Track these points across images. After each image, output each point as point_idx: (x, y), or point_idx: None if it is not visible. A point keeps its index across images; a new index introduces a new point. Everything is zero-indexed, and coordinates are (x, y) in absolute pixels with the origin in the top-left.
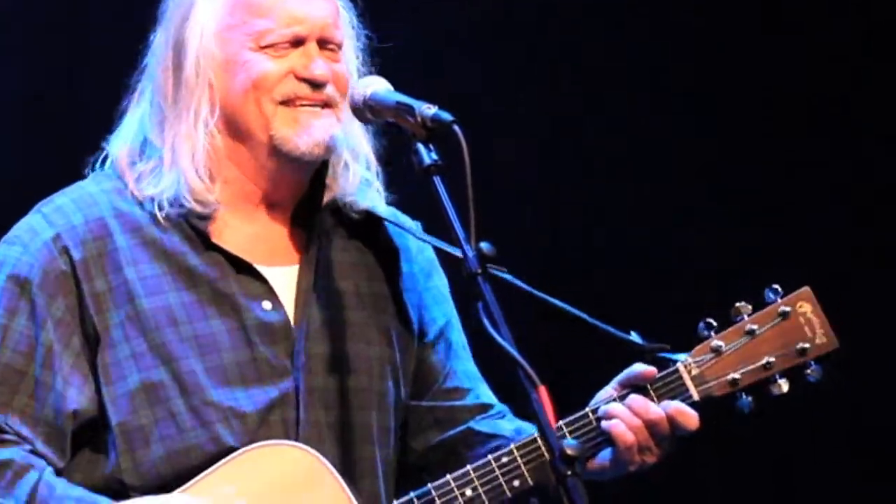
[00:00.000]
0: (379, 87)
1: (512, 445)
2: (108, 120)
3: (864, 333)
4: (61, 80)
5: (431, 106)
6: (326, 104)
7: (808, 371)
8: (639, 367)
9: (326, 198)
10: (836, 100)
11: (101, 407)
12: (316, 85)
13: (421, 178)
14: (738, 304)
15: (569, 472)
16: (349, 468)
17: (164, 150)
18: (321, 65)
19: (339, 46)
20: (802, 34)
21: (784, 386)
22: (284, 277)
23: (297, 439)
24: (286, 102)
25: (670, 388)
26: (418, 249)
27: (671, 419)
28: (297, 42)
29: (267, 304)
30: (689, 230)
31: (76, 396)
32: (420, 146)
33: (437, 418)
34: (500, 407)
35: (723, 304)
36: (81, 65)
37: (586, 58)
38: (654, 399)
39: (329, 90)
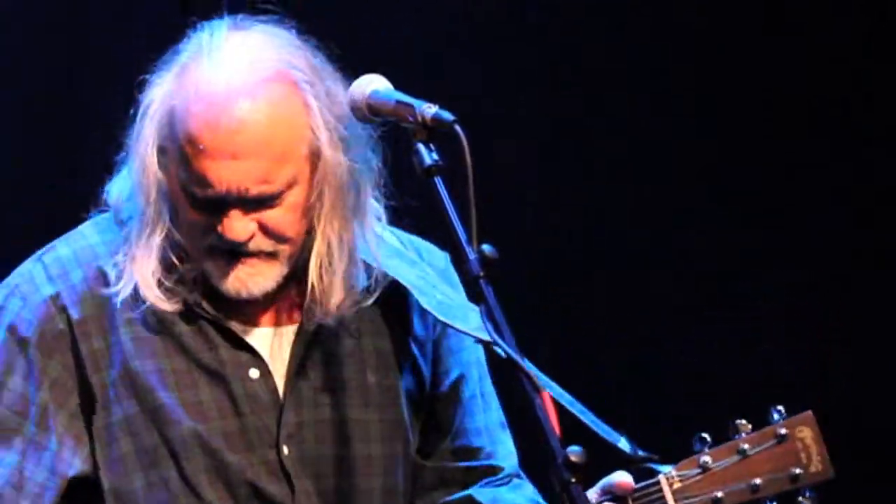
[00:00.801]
0: (379, 85)
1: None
2: (105, 120)
3: (865, 335)
4: (60, 80)
5: (432, 105)
6: (255, 255)
7: (801, 499)
8: (617, 477)
9: (310, 298)
10: (837, 101)
11: (96, 470)
12: (235, 245)
13: (422, 179)
14: (738, 422)
15: (573, 479)
16: None
17: (132, 240)
18: (236, 228)
19: (283, 191)
20: (803, 35)
21: None
22: (280, 339)
23: None
24: (209, 253)
25: (649, 500)
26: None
27: None
28: (217, 201)
29: (254, 373)
30: (689, 231)
31: (70, 459)
32: (421, 146)
33: (443, 479)
34: (510, 470)
35: (722, 306)
36: (81, 65)
37: (586, 59)
38: None
39: (252, 245)
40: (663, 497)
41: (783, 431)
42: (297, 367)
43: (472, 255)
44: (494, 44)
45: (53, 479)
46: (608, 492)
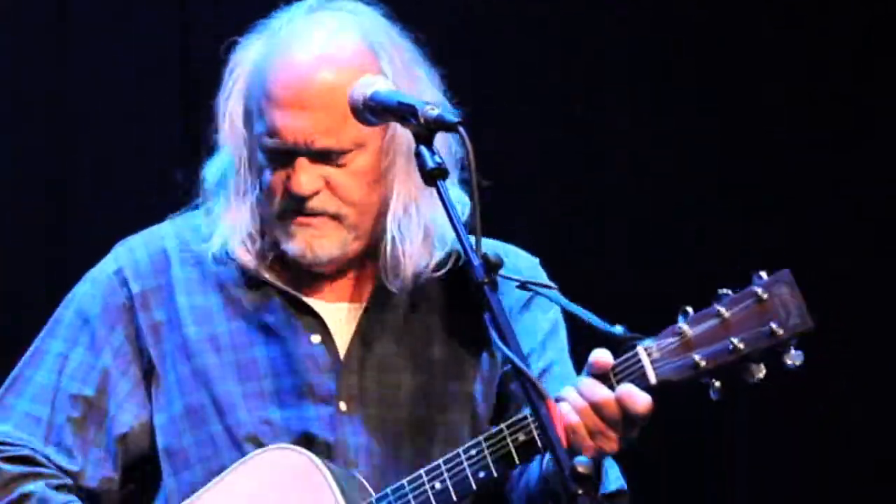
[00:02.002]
0: (381, 86)
1: (480, 437)
2: (103, 120)
3: (865, 332)
4: (59, 81)
5: (436, 106)
6: (320, 214)
7: (786, 356)
8: (595, 354)
9: (383, 261)
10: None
11: (153, 435)
12: (300, 199)
13: (426, 182)
14: (720, 291)
15: (580, 491)
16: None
17: (222, 206)
18: (299, 182)
19: (348, 150)
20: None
21: (758, 372)
22: (344, 313)
23: (331, 461)
24: (281, 216)
25: (629, 372)
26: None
27: (620, 401)
28: (286, 152)
29: (315, 338)
30: (691, 226)
31: (128, 421)
32: (423, 149)
33: None
34: None
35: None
36: (80, 65)
37: (586, 56)
38: (614, 384)
39: (316, 202)
40: (641, 367)
41: (759, 291)
42: (362, 338)
43: (476, 261)
44: (496, 43)
45: (113, 443)
46: (591, 373)
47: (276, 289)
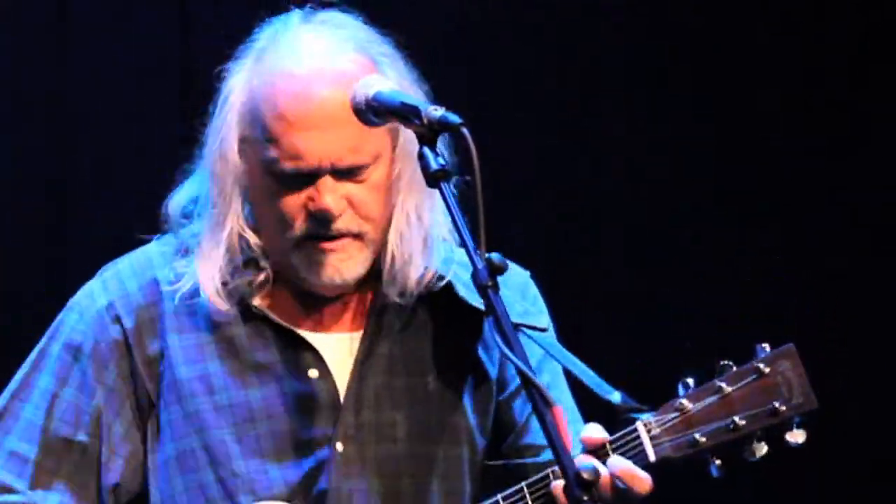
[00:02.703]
0: (383, 87)
1: (523, 483)
2: (103, 120)
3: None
4: (57, 81)
5: (439, 107)
6: (344, 236)
7: (789, 434)
8: (588, 431)
9: (388, 273)
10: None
11: (146, 476)
12: (326, 220)
13: (429, 185)
14: (722, 362)
15: (585, 497)
16: None
17: (200, 239)
18: (327, 201)
19: (369, 164)
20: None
21: (759, 451)
22: (339, 345)
23: None
24: (300, 244)
25: (627, 447)
26: (512, 302)
27: (616, 478)
28: (307, 175)
29: (313, 373)
30: (688, 231)
31: (120, 468)
32: (427, 150)
33: (507, 476)
34: None
35: (724, 314)
36: (79, 64)
37: (583, 59)
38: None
39: (342, 223)
40: (640, 443)
41: (763, 366)
42: (360, 370)
43: (479, 264)
44: (499, 43)
45: (103, 491)
46: (587, 446)
47: (269, 322)
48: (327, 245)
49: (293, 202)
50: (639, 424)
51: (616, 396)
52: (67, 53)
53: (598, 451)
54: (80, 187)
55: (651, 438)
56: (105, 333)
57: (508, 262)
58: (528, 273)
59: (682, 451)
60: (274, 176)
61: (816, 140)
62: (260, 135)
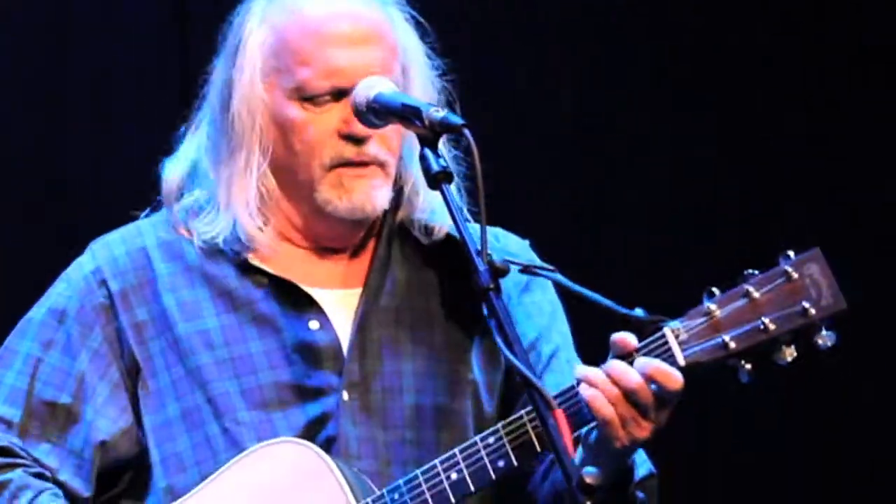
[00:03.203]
0: (384, 88)
1: (499, 424)
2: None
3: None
4: (54, 79)
5: (440, 109)
6: (371, 163)
7: (818, 337)
8: (618, 335)
9: (398, 217)
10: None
11: (142, 439)
12: (358, 140)
13: (431, 186)
14: (746, 272)
15: (588, 502)
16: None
17: (218, 189)
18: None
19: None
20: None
21: (790, 353)
22: (342, 298)
23: (334, 455)
24: (332, 167)
25: (655, 354)
26: (509, 252)
27: (650, 379)
28: (340, 94)
29: (314, 324)
30: (691, 230)
31: (107, 427)
32: (428, 152)
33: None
34: None
35: None
36: (78, 63)
37: (583, 58)
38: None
39: (372, 146)
40: (669, 349)
41: (789, 269)
42: (361, 323)
43: (481, 267)
44: (502, 42)
45: (89, 449)
46: (615, 355)
47: (266, 276)
48: (359, 171)
49: (324, 127)
50: (666, 330)
51: (639, 311)
52: (67, 53)
53: (626, 359)
54: (80, 187)
55: (679, 343)
56: (90, 296)
57: (507, 232)
58: (527, 242)
59: (712, 354)
60: (304, 101)
61: (818, 141)
62: (289, 61)
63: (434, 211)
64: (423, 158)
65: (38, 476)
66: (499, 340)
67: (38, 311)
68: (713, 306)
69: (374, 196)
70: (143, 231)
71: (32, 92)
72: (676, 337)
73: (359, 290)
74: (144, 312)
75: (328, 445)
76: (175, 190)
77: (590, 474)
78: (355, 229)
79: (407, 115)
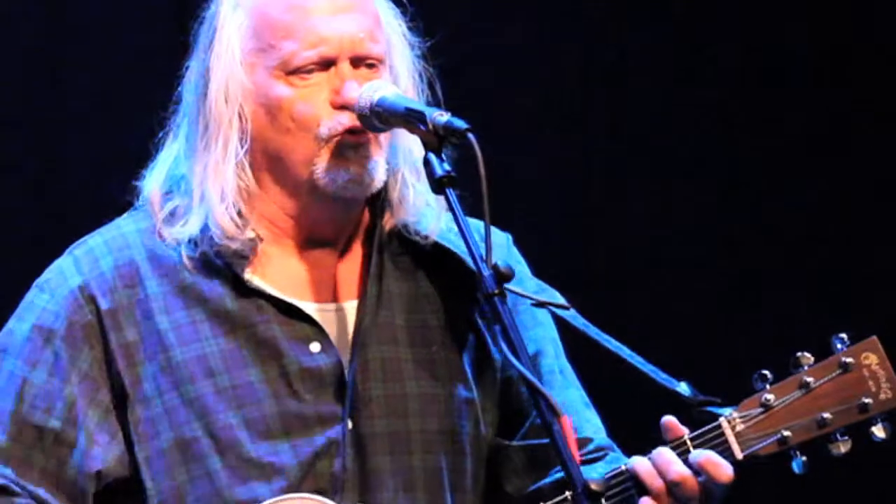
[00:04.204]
0: (387, 92)
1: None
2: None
3: None
4: (52, 78)
5: (444, 113)
6: (367, 130)
7: (874, 429)
8: (665, 421)
9: (387, 225)
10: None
11: (135, 467)
12: (351, 109)
13: (435, 190)
14: (798, 355)
15: None
16: None
17: (193, 185)
18: (354, 87)
19: (380, 60)
20: None
21: (844, 446)
22: (338, 315)
23: (344, 489)
24: (331, 138)
25: (712, 445)
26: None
27: (701, 469)
28: (327, 64)
29: (315, 346)
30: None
31: (101, 455)
32: (432, 156)
33: (531, 459)
34: (600, 441)
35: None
36: (77, 63)
37: (586, 59)
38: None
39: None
40: (726, 441)
41: (848, 360)
42: (362, 342)
43: (486, 272)
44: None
45: (83, 479)
46: (668, 440)
47: (264, 296)
48: (354, 139)
49: (315, 100)
50: (722, 420)
51: (685, 388)
52: (63, 53)
53: (678, 448)
54: (68, 188)
55: (736, 435)
56: (79, 315)
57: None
58: (507, 235)
59: (771, 448)
60: (291, 75)
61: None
62: (272, 38)
63: (423, 214)
64: (427, 163)
65: None
66: (504, 346)
67: (20, 326)
68: (770, 396)
69: (371, 167)
70: (131, 240)
71: (25, 92)
72: (733, 428)
73: (354, 304)
74: (134, 333)
75: (338, 478)
76: (158, 200)
77: (595, 481)
78: (347, 213)
79: (411, 119)
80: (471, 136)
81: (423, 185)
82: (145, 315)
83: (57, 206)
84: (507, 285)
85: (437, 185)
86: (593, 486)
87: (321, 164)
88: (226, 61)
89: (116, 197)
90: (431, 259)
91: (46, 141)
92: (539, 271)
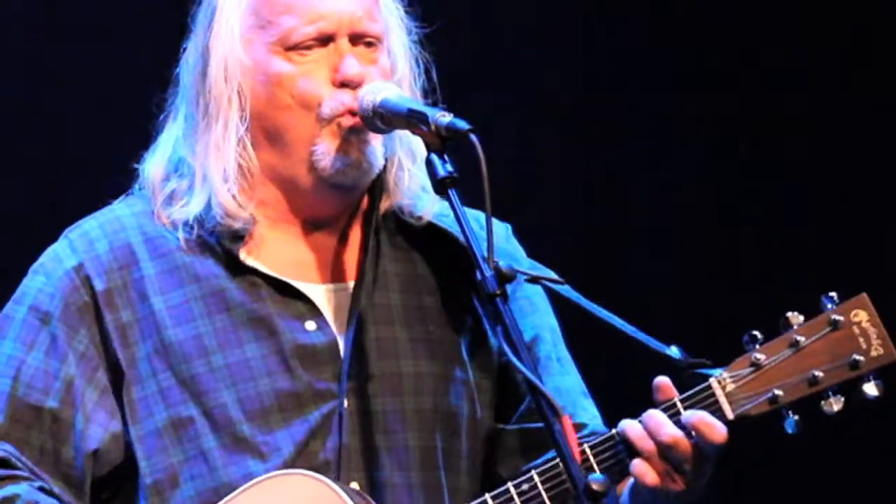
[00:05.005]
0: (390, 93)
1: (533, 471)
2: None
3: None
4: (50, 79)
5: (446, 114)
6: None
7: (866, 386)
8: (661, 381)
9: (383, 207)
10: None
11: (129, 447)
12: (352, 86)
13: (437, 191)
14: (788, 315)
15: None
16: (413, 495)
17: (194, 165)
18: (353, 64)
19: (378, 40)
20: None
21: (837, 404)
22: (335, 295)
23: (339, 467)
24: (332, 119)
25: (701, 406)
26: (502, 256)
27: (694, 429)
28: (326, 40)
29: (310, 325)
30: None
31: (98, 435)
32: (434, 157)
33: (525, 442)
34: (594, 426)
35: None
36: (75, 62)
37: (586, 59)
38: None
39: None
40: (716, 401)
41: (837, 317)
42: (358, 322)
43: (488, 272)
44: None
45: (81, 459)
46: (658, 402)
47: (259, 275)
48: (353, 122)
49: (316, 77)
50: (712, 381)
51: (675, 351)
52: (62, 51)
53: (669, 410)
54: (66, 187)
55: (727, 395)
56: (75, 296)
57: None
58: (508, 226)
59: (760, 407)
60: (290, 51)
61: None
62: (270, 14)
63: (419, 196)
64: (429, 163)
65: (42, 490)
66: (505, 346)
67: (16, 309)
68: (761, 356)
69: (370, 152)
70: (126, 223)
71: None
72: (723, 388)
73: (351, 284)
74: (129, 314)
75: (334, 457)
76: (158, 183)
77: (596, 481)
78: (345, 197)
79: (413, 120)
80: (473, 136)
81: (419, 169)
82: (140, 295)
83: (57, 206)
84: (500, 263)
85: (440, 186)
86: (594, 486)
87: (321, 146)
88: (225, 39)
89: (116, 197)
90: (428, 241)
91: (47, 141)
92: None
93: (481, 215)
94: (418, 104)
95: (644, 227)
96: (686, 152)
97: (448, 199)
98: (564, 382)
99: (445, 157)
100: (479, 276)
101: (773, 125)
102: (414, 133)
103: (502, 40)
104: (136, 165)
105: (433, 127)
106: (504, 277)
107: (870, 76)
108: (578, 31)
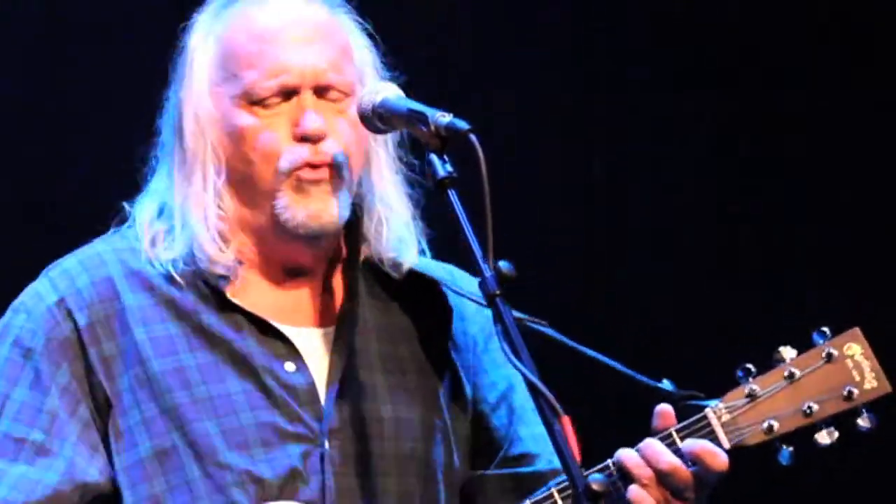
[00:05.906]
0: (389, 93)
1: (553, 488)
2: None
3: None
4: (50, 79)
5: (446, 114)
6: (328, 165)
7: (859, 419)
8: (658, 410)
9: (363, 255)
10: None
11: (114, 478)
12: (314, 140)
13: (436, 191)
14: (781, 349)
15: None
16: None
17: (175, 211)
18: (313, 119)
19: (346, 92)
20: None
21: (831, 436)
22: (315, 339)
23: None
24: (292, 171)
25: (698, 436)
26: (478, 309)
27: (696, 458)
28: (289, 93)
29: (290, 366)
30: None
31: (86, 468)
32: (434, 157)
33: (506, 488)
34: None
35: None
36: (74, 62)
37: (586, 59)
38: (680, 447)
39: (326, 146)
40: (713, 430)
41: (831, 350)
42: (337, 364)
43: (487, 273)
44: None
45: (66, 483)
46: (655, 432)
47: (242, 313)
48: (313, 175)
49: (277, 131)
50: (708, 411)
51: (667, 384)
52: (61, 52)
53: (665, 440)
54: (65, 188)
55: (722, 425)
56: (56, 331)
57: (460, 270)
58: (477, 279)
59: (758, 437)
60: (254, 105)
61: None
62: (235, 67)
63: (398, 249)
64: (429, 164)
65: None
66: (505, 347)
67: (0, 347)
68: (755, 387)
69: (332, 204)
70: (106, 258)
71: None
72: (719, 418)
73: (331, 330)
74: (112, 346)
75: (318, 497)
76: (146, 225)
77: (596, 481)
78: (315, 247)
79: (413, 120)
80: (472, 137)
81: (397, 218)
82: (123, 327)
83: (57, 206)
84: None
85: (439, 187)
86: (595, 487)
87: (282, 199)
88: (196, 92)
89: (116, 197)
90: (408, 290)
91: (47, 141)
92: (539, 271)
93: (453, 269)
94: (418, 104)
95: (644, 228)
96: (686, 152)
97: (448, 199)
98: (543, 431)
99: (445, 157)
100: (480, 276)
101: (773, 123)
102: (413, 133)
103: (502, 40)
104: (123, 203)
105: (433, 127)
106: (504, 278)
107: (870, 74)
108: (579, 32)
